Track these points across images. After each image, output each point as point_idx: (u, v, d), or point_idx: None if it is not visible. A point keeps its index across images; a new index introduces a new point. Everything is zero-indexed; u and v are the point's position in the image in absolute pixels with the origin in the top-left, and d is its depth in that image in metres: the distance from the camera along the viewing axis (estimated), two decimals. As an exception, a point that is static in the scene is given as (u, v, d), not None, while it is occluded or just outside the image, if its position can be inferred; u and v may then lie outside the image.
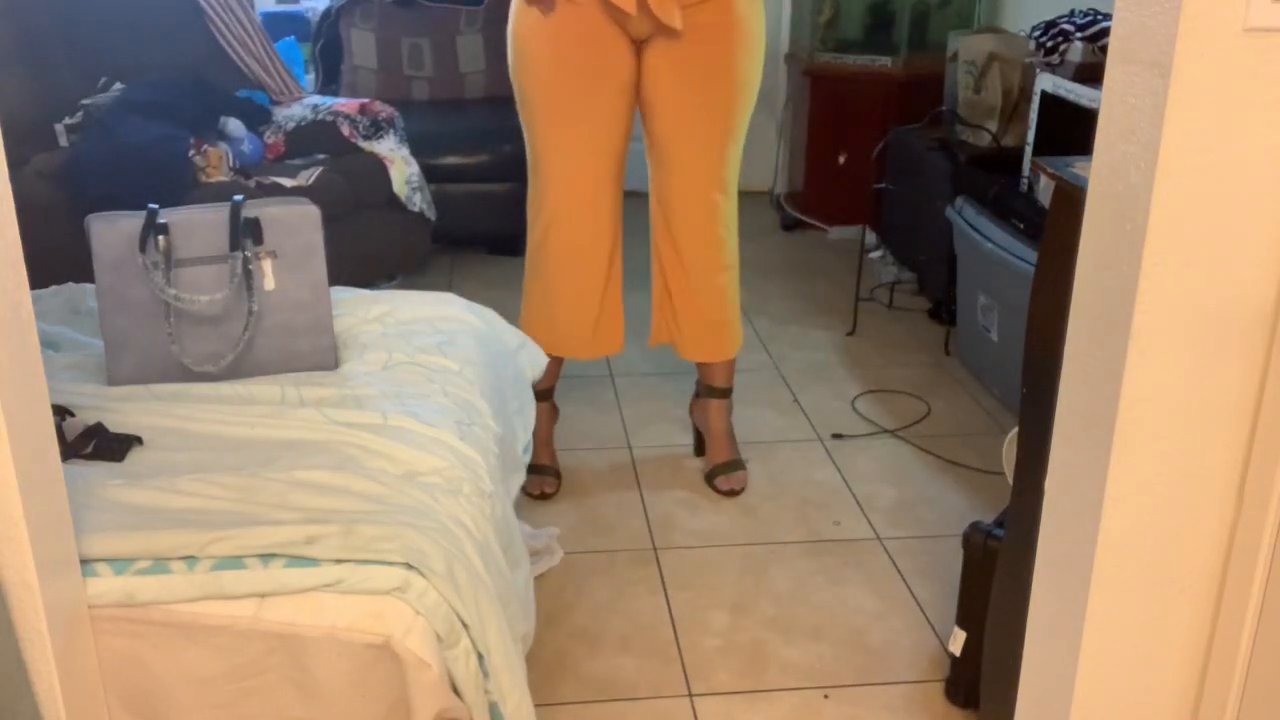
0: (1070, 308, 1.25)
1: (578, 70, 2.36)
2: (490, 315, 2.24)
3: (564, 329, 2.56)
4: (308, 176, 3.28)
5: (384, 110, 3.58)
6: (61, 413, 1.68)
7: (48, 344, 1.96)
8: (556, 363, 2.63)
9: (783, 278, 4.04)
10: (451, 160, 3.95)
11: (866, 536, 2.49)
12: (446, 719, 1.41)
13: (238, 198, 1.87)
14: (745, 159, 2.55)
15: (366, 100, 3.64)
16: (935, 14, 4.19)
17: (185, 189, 3.02)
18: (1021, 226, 2.85)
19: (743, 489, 2.66)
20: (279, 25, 4.56)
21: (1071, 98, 2.83)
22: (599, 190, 2.45)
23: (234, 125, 3.33)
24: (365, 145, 3.50)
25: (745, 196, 2.74)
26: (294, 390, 1.81)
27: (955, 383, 3.22)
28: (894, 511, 2.58)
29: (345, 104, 3.58)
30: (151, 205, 1.83)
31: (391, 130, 3.57)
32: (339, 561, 1.41)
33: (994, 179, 3.09)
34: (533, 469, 2.49)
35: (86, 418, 1.69)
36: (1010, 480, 1.69)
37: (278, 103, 3.67)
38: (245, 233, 1.83)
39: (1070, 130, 2.84)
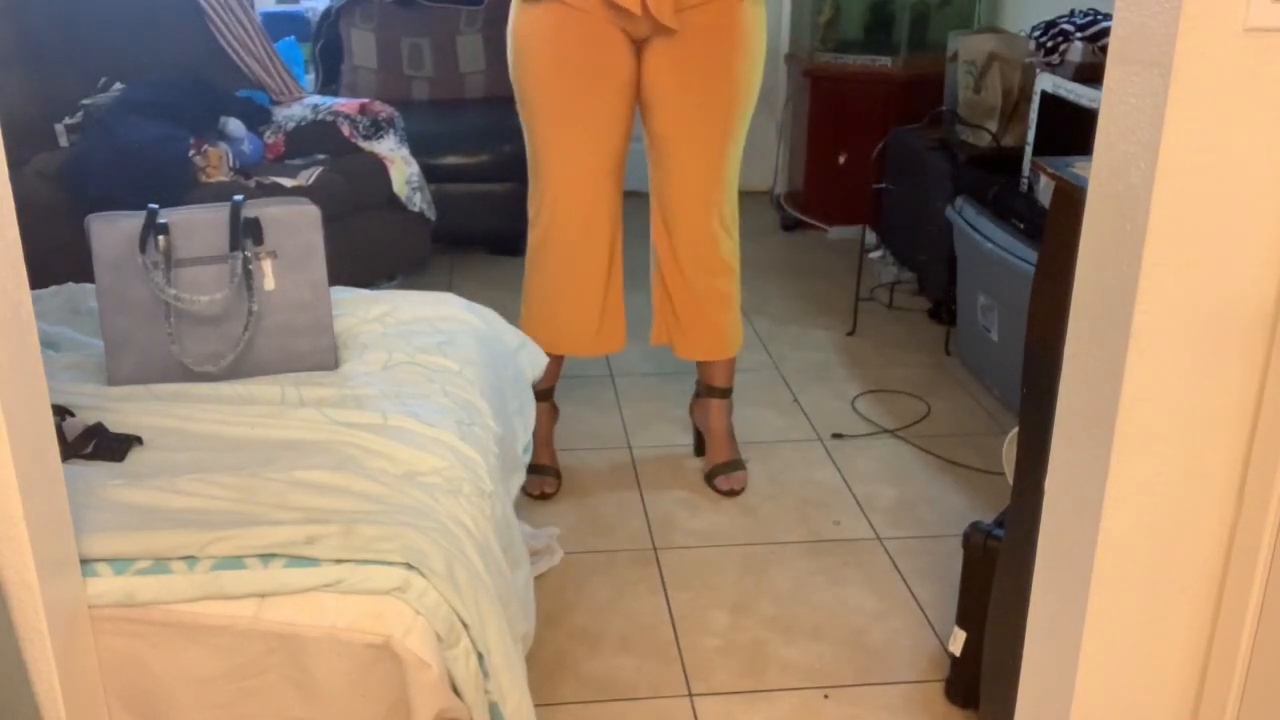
0: (1070, 308, 1.25)
1: (578, 70, 2.36)
2: (490, 315, 2.24)
3: (565, 327, 2.56)
4: (308, 176, 3.28)
5: (384, 110, 3.59)
6: (61, 413, 1.68)
7: (48, 344, 1.96)
8: (556, 362, 2.63)
9: (783, 278, 4.04)
10: (451, 160, 3.95)
11: (866, 536, 2.49)
12: (446, 719, 1.41)
13: (238, 198, 1.87)
14: (745, 159, 2.55)
15: (366, 100, 3.64)
16: (935, 14, 4.19)
17: (185, 189, 3.01)
18: (1021, 226, 2.85)
19: (743, 489, 2.66)
20: (279, 25, 4.56)
21: (1071, 98, 2.83)
22: (599, 190, 2.45)
23: (234, 125, 3.33)
24: (365, 145, 3.50)
25: (745, 196, 2.74)
26: (294, 390, 1.81)
27: (955, 383, 3.22)
28: (894, 511, 2.58)
29: (345, 104, 3.58)
30: (151, 205, 1.83)
31: (391, 130, 3.57)
32: (339, 561, 1.41)
33: (994, 179, 3.09)
34: (533, 469, 2.49)
35: (86, 418, 1.69)
36: (1010, 480, 1.69)
37: (278, 103, 3.67)
38: (245, 233, 1.83)
39: (1070, 130, 2.84)
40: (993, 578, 1.76)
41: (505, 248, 4.10)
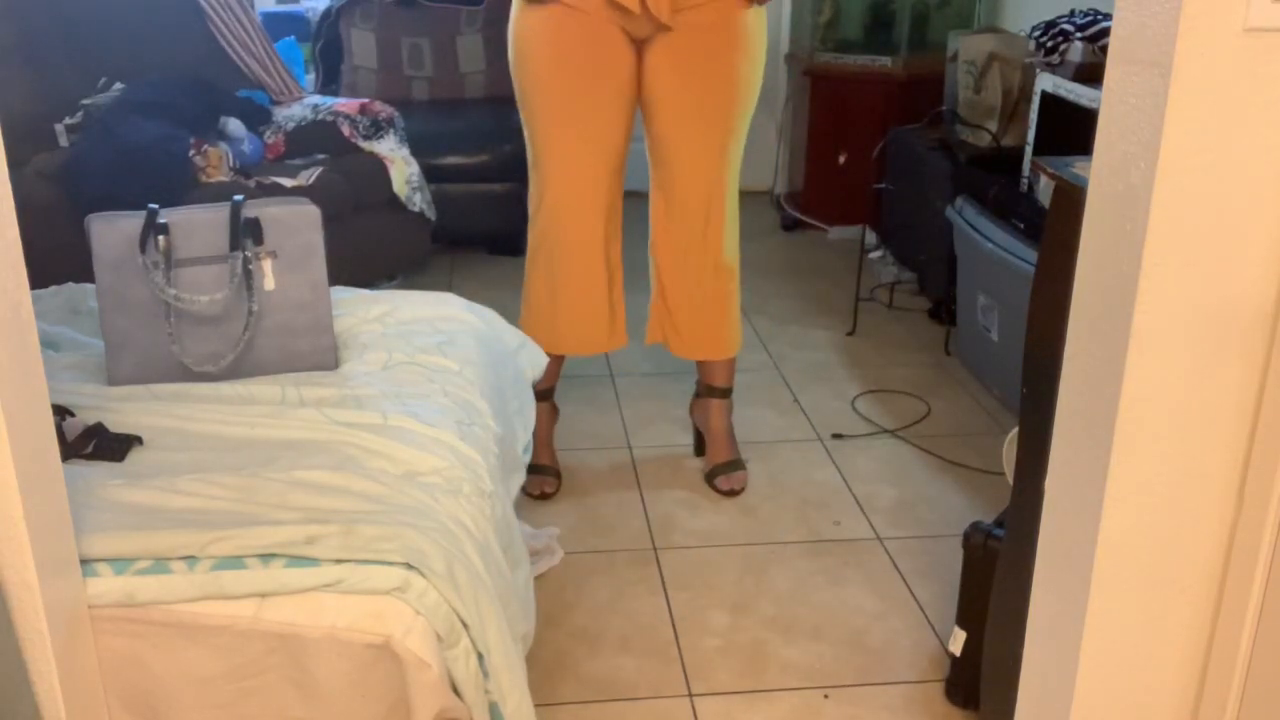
0: (1070, 308, 1.25)
1: (578, 70, 2.36)
2: (490, 315, 2.24)
3: (565, 327, 2.56)
4: (308, 176, 3.28)
5: (384, 110, 3.59)
6: (61, 413, 1.68)
7: (48, 344, 1.96)
8: (557, 362, 2.63)
9: (783, 278, 4.04)
10: (451, 160, 3.95)
11: (866, 536, 2.49)
12: (446, 719, 1.41)
13: (238, 198, 1.86)
14: (745, 159, 2.54)
15: (366, 100, 3.64)
16: (935, 14, 4.19)
17: (185, 189, 3.01)
18: (1021, 226, 2.85)
19: (743, 489, 2.66)
20: (279, 25, 4.56)
21: (1071, 98, 2.83)
22: (599, 189, 2.45)
23: (234, 125, 3.33)
24: (365, 145, 3.50)
25: (745, 196, 2.74)
26: (294, 390, 1.81)
27: (955, 383, 3.22)
28: (894, 511, 2.58)
29: (345, 104, 3.58)
30: (151, 205, 1.83)
31: (391, 130, 3.57)
32: (339, 561, 1.41)
33: (994, 179, 3.09)
34: (533, 469, 2.49)
35: (86, 418, 1.70)
36: (1010, 480, 1.69)
37: (278, 103, 3.67)
38: (245, 233, 1.83)
39: (1070, 130, 2.84)
40: (993, 578, 1.75)
41: (505, 248, 4.10)
